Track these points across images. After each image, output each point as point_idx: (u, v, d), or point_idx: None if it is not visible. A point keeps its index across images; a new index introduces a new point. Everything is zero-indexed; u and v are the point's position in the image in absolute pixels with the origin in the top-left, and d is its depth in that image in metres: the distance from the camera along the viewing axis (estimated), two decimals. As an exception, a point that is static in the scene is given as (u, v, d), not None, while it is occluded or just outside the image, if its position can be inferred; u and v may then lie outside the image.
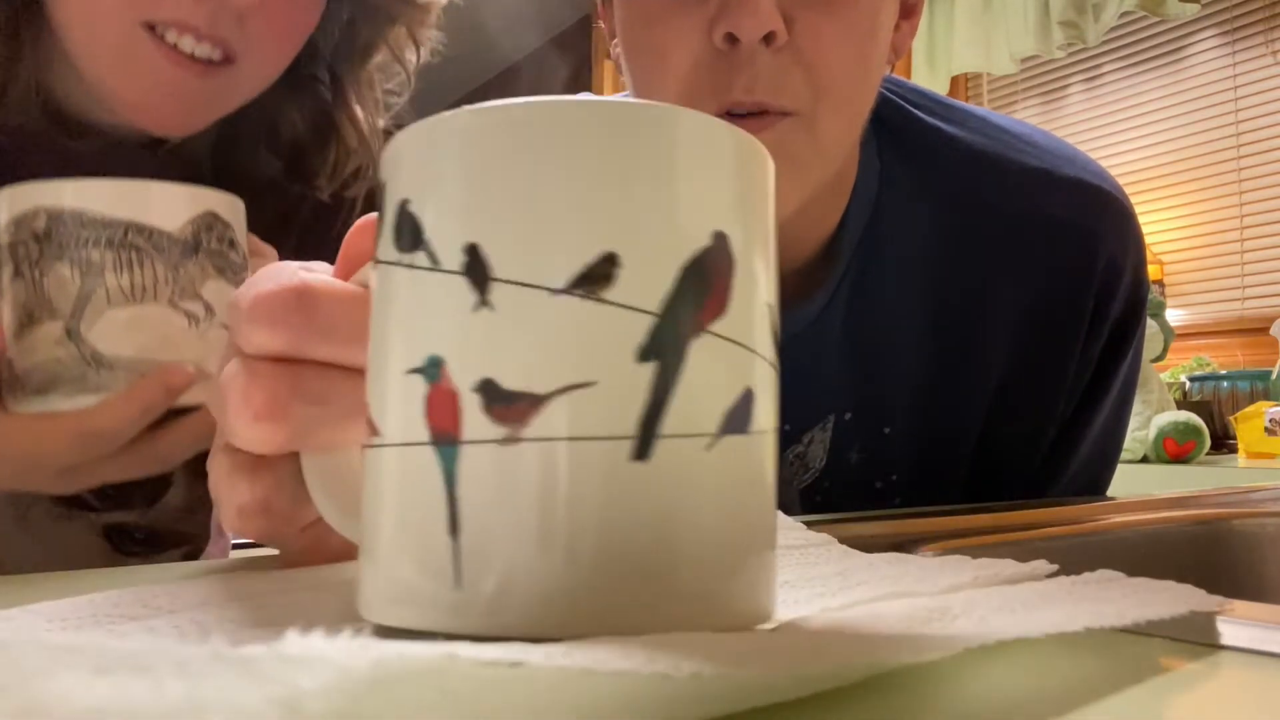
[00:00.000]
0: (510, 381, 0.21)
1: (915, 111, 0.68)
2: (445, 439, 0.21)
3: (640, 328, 0.21)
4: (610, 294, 0.21)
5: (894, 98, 0.68)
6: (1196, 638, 0.26)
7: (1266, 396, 1.92)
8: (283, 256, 0.70)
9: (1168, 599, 0.27)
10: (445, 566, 0.21)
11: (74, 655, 0.12)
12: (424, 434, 0.21)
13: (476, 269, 0.21)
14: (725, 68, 0.53)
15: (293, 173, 0.69)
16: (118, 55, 0.56)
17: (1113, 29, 2.69)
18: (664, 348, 0.21)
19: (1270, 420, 1.73)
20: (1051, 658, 0.25)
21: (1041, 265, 0.65)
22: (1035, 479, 0.71)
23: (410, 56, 0.71)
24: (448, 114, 0.23)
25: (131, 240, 0.44)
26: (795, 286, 0.66)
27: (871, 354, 0.66)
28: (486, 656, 0.15)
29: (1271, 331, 1.98)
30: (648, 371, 0.21)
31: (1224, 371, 2.10)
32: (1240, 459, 1.80)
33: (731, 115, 0.54)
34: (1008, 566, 0.31)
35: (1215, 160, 2.56)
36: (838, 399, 0.67)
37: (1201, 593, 0.28)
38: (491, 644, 0.16)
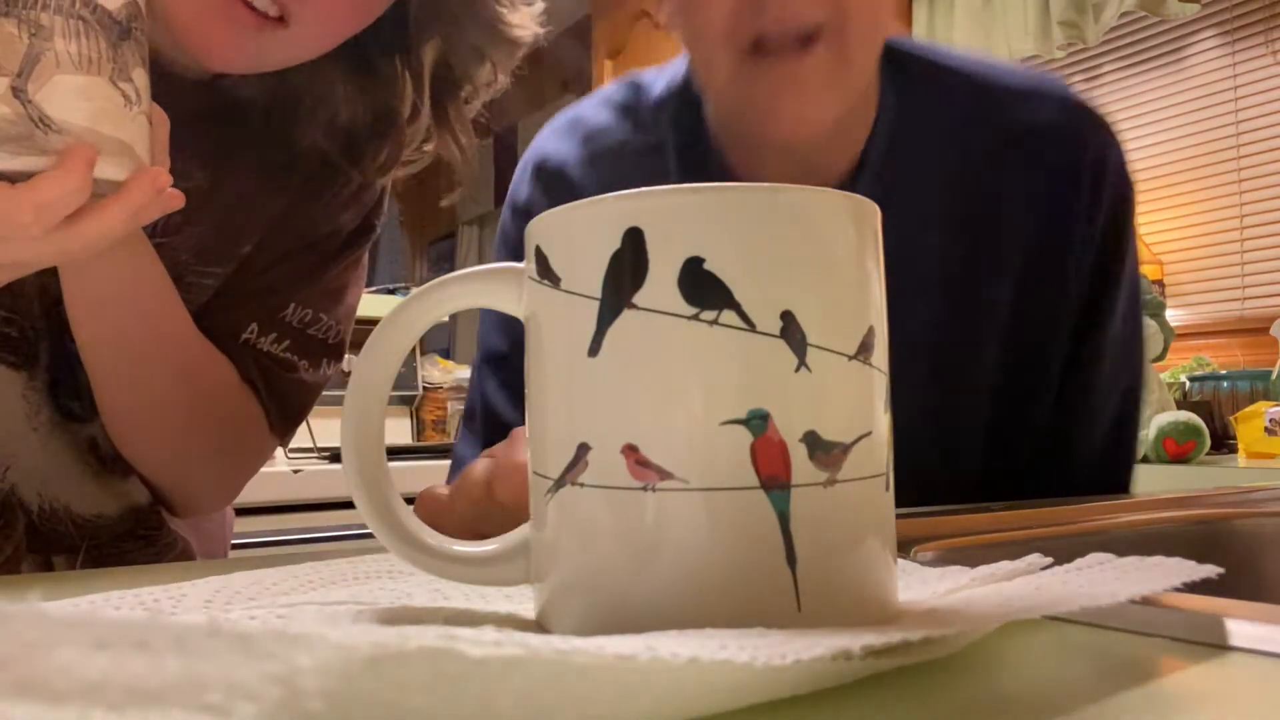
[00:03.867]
0: (828, 433, 0.25)
1: (912, 50, 0.77)
2: (776, 484, 0.24)
3: (883, 386, 0.27)
4: (872, 359, 0.26)
5: (891, 42, 0.76)
6: (1198, 637, 0.26)
7: (1266, 396, 1.92)
8: (279, 198, 0.71)
9: (1160, 574, 0.27)
10: (787, 595, 0.24)
11: (74, 629, 0.12)
12: (752, 479, 0.24)
13: (794, 334, 0.25)
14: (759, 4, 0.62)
15: (344, 153, 0.72)
16: None
17: (1112, 29, 2.68)
18: (891, 401, 0.27)
19: (1270, 420, 1.73)
20: (1052, 658, 0.25)
21: (1040, 166, 0.73)
22: (1062, 397, 0.75)
23: (488, 85, 0.74)
24: (747, 186, 0.26)
25: (79, 11, 0.44)
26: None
27: (895, 266, 0.71)
28: (486, 639, 0.15)
29: (1271, 331, 1.98)
30: (887, 419, 0.27)
31: (1224, 371, 2.10)
32: (1240, 459, 1.80)
33: (767, 44, 0.62)
34: (1003, 566, 0.31)
35: (1215, 160, 2.55)
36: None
37: (1192, 564, 0.28)
38: (492, 630, 0.16)
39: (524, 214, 0.78)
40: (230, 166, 0.68)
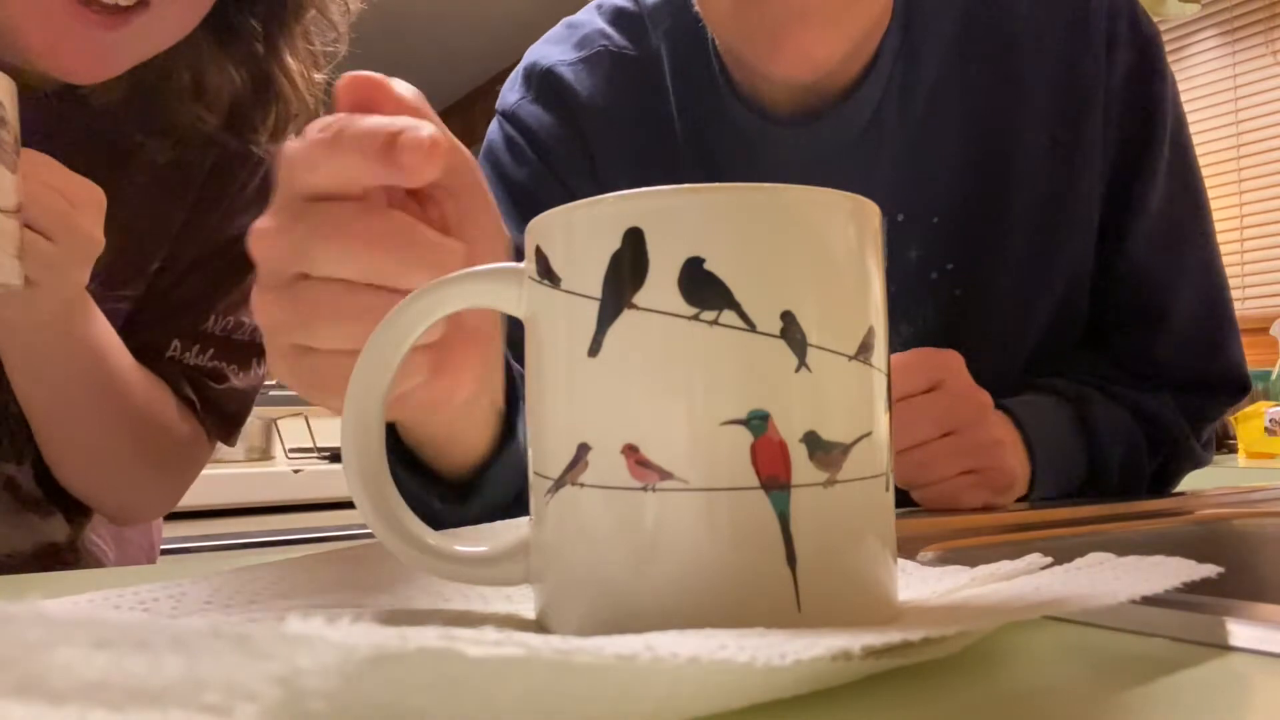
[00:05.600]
0: (828, 433, 0.25)
1: None
2: (776, 484, 0.24)
3: (883, 386, 0.27)
4: (872, 359, 0.26)
5: None
6: (1198, 637, 0.26)
7: (1266, 396, 1.92)
8: (179, 207, 0.69)
9: (1160, 574, 0.27)
10: (787, 595, 0.24)
11: (74, 629, 0.12)
12: (752, 480, 0.24)
13: (795, 334, 0.25)
14: None
15: (231, 128, 0.69)
16: (25, 1, 0.55)
17: (1113, 29, 2.69)
18: (889, 401, 0.27)
19: (1270, 420, 1.73)
20: (1052, 658, 0.25)
21: (1053, 23, 0.71)
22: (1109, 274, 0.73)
23: (338, 9, 0.71)
24: (747, 186, 0.25)
25: None
26: (847, 94, 0.70)
27: (920, 151, 0.71)
28: (486, 639, 0.15)
29: (1271, 331, 1.98)
30: (887, 419, 0.27)
31: (1224, 371, 2.10)
32: (1240, 459, 1.80)
33: None
34: (1003, 566, 0.31)
35: (1215, 160, 2.55)
36: (891, 200, 0.71)
37: (1192, 563, 0.28)
38: (492, 630, 0.16)
39: (509, 117, 0.74)
40: (120, 181, 0.65)
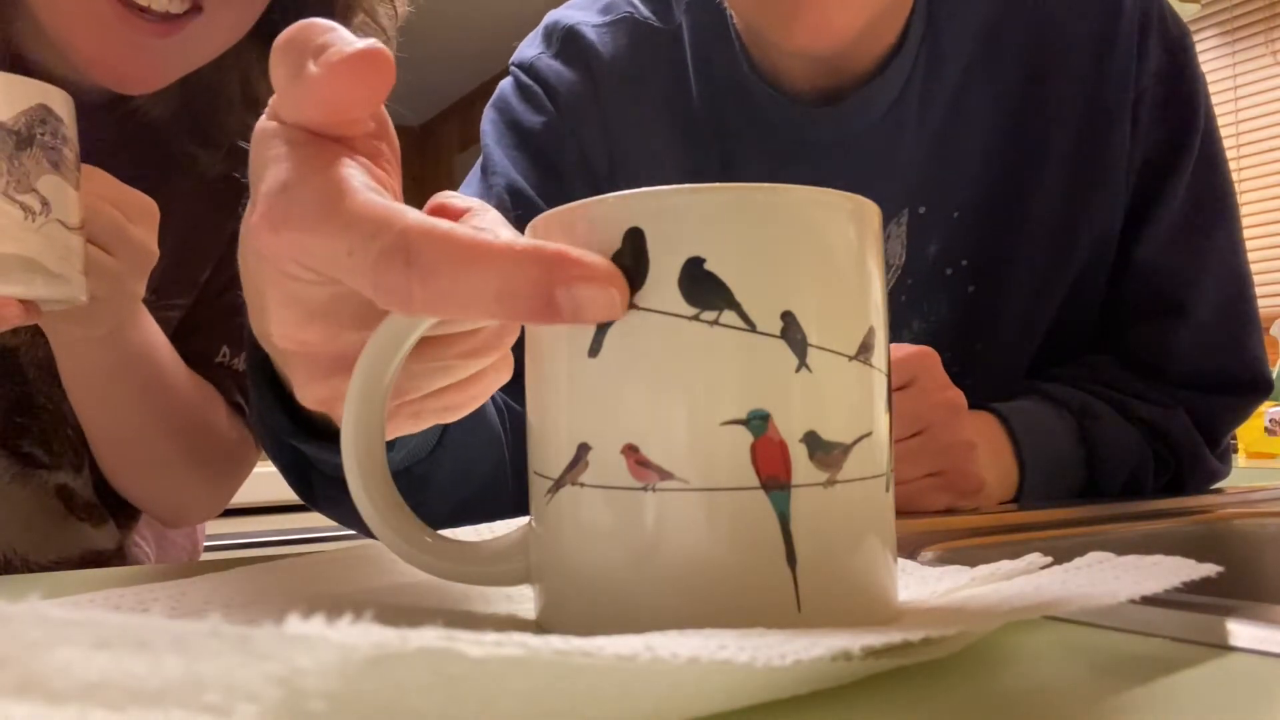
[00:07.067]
0: (828, 433, 0.25)
1: None
2: (776, 485, 0.24)
3: (883, 386, 0.27)
4: (873, 359, 0.26)
5: None
6: (1198, 637, 0.26)
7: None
8: (229, 218, 0.70)
9: (1160, 574, 0.27)
10: (787, 595, 0.24)
11: (74, 629, 0.12)
12: (752, 480, 0.24)
13: (795, 334, 0.25)
14: None
15: None
16: (76, 11, 0.55)
17: (1113, 29, 2.69)
18: (889, 401, 0.27)
19: (1270, 420, 1.73)
20: (1052, 658, 0.25)
21: (1083, 22, 0.70)
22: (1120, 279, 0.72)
23: (386, 13, 0.71)
24: (748, 186, 0.25)
25: None
26: (869, 78, 0.69)
27: (944, 142, 0.71)
28: (486, 640, 0.15)
29: (1271, 332, 1.98)
30: (887, 419, 0.27)
31: (1224, 372, 2.10)
32: (1240, 459, 1.80)
33: None
34: (1003, 566, 0.31)
35: (1215, 160, 2.55)
36: (912, 192, 0.71)
37: (1192, 563, 0.28)
38: (492, 630, 0.16)
39: (526, 69, 0.73)
40: (171, 193, 0.65)
